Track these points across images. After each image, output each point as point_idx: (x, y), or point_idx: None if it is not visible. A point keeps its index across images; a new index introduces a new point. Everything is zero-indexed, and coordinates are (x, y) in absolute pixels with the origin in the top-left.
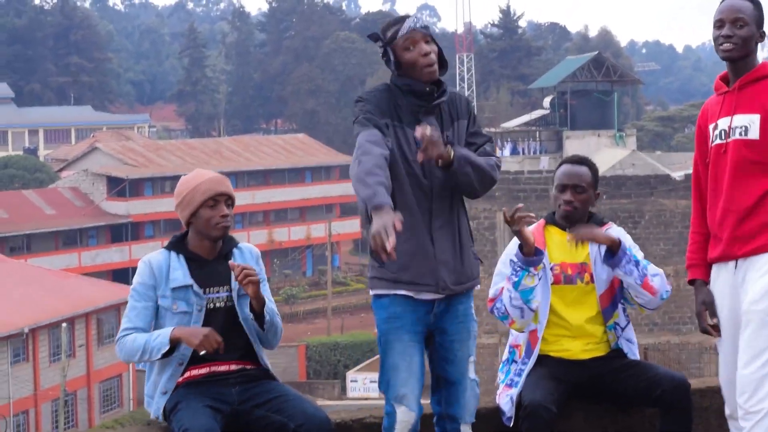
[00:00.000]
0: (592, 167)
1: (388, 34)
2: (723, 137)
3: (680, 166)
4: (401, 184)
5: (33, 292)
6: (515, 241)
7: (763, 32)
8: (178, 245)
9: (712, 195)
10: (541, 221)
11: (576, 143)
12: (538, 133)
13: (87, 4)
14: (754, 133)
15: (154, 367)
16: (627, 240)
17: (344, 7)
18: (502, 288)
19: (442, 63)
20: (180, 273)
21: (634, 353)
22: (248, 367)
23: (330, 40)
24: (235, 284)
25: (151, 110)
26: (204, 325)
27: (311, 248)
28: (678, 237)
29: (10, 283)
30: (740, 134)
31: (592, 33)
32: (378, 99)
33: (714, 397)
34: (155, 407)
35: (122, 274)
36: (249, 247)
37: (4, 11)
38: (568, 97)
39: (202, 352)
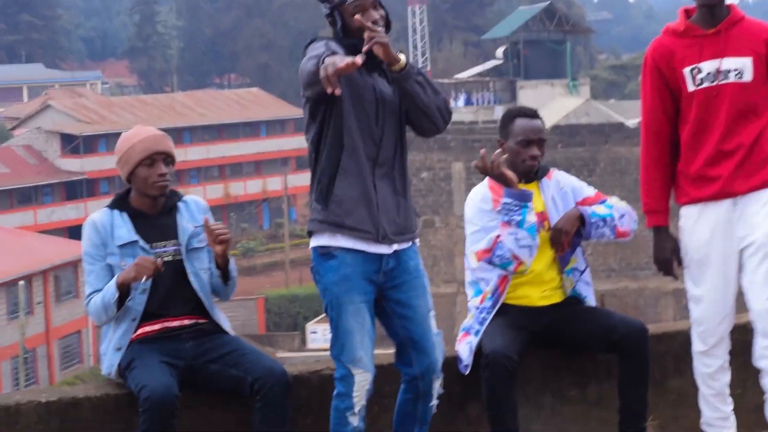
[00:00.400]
0: (542, 119)
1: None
2: (711, 80)
3: (634, 114)
4: (350, 128)
5: None
6: (479, 191)
7: None
8: (120, 203)
9: (694, 137)
10: None
11: (530, 93)
12: (491, 83)
13: None
14: (749, 76)
15: (111, 325)
16: (572, 182)
17: None
18: (497, 236)
19: (388, 25)
20: (125, 230)
21: (591, 296)
22: (201, 321)
23: None
24: (183, 238)
25: (103, 67)
26: (155, 280)
27: (267, 201)
28: (633, 184)
29: None
30: (736, 77)
31: None
32: (330, 42)
33: (671, 341)
34: (108, 363)
35: (78, 231)
36: (195, 200)
37: None
38: (521, 47)
39: (144, 279)
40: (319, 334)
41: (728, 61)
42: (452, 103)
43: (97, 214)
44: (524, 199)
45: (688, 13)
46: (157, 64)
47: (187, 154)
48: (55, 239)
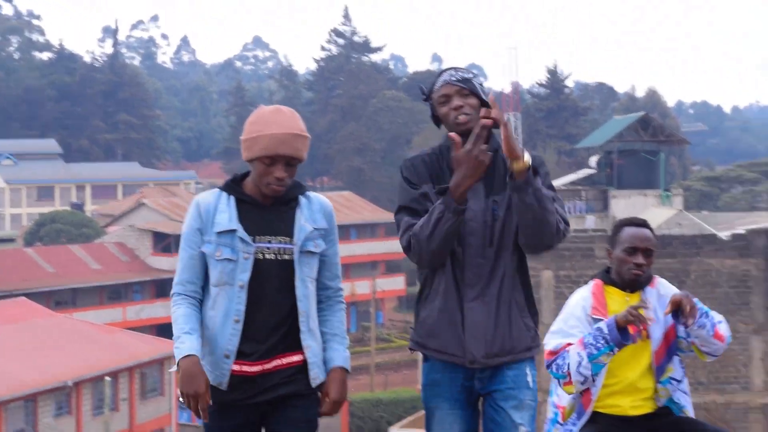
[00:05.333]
0: (653, 230)
1: (429, 88)
2: None
3: (727, 226)
4: None
5: (77, 346)
6: (582, 294)
7: None
8: (232, 186)
9: None
10: (598, 281)
11: (622, 203)
12: (584, 192)
13: (136, 62)
14: None
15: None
16: (673, 291)
17: (392, 66)
18: (567, 344)
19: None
20: (226, 216)
21: (689, 406)
22: (289, 363)
23: (377, 99)
24: (299, 237)
25: (197, 167)
26: (253, 278)
27: (355, 305)
28: (724, 297)
29: (56, 336)
30: None
31: (639, 93)
32: (417, 167)
33: None
34: (217, 372)
35: (166, 329)
36: (319, 199)
37: (55, 68)
38: (614, 157)
39: (180, 400)
40: None
41: None
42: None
43: (205, 194)
44: (615, 341)
45: None
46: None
47: None
48: (142, 336)
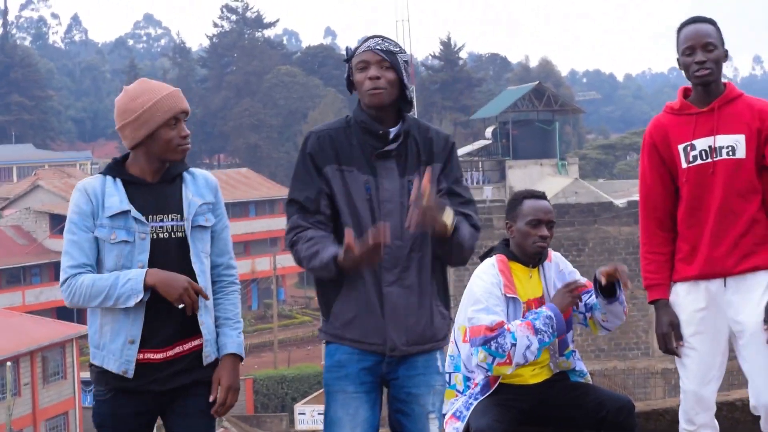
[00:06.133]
0: (549, 201)
1: (352, 51)
2: (705, 157)
3: (623, 194)
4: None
5: None
6: (490, 272)
7: (726, 50)
8: (115, 168)
9: (689, 214)
10: (502, 257)
11: (519, 172)
12: (480, 163)
13: (27, 43)
14: (741, 152)
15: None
16: (569, 266)
17: (285, 42)
18: (501, 323)
19: (408, 97)
20: (116, 199)
21: (585, 369)
22: (190, 348)
23: (271, 75)
24: (189, 212)
25: (93, 147)
26: (152, 257)
27: (256, 282)
28: (622, 263)
29: None
30: (728, 154)
31: (533, 63)
32: (323, 144)
33: (659, 419)
34: (120, 360)
35: (67, 312)
36: (203, 174)
37: None
38: (510, 127)
39: (181, 306)
40: (307, 415)
41: (721, 138)
42: None
43: (88, 179)
44: (561, 331)
45: (686, 92)
46: None
47: None
48: (43, 320)
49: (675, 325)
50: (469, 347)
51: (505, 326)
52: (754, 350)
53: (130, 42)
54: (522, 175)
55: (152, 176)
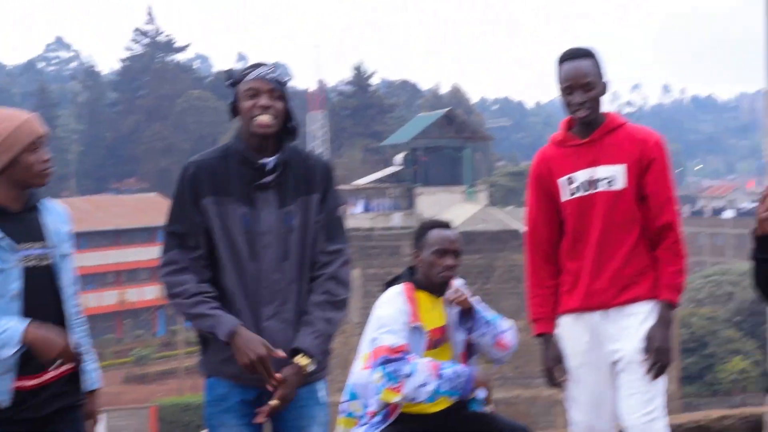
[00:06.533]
0: (456, 231)
1: (239, 76)
2: (585, 189)
3: None
4: (224, 268)
5: None
6: (398, 300)
7: (605, 81)
8: None
9: (571, 247)
10: (410, 285)
11: (428, 199)
12: (390, 190)
13: None
14: (620, 183)
15: None
16: (468, 293)
17: (197, 66)
18: (403, 347)
19: (291, 128)
20: None
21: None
22: (62, 372)
23: (182, 99)
24: (56, 240)
25: None
26: (26, 287)
27: (163, 308)
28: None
29: None
30: (608, 185)
31: (444, 90)
32: (201, 176)
33: None
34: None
35: None
36: (55, 204)
37: None
38: (420, 154)
39: (54, 365)
40: None
41: (601, 170)
42: (350, 210)
43: None
44: (462, 393)
45: (570, 122)
46: (55, 167)
47: (83, 260)
48: None
49: (559, 359)
50: (369, 373)
51: (409, 354)
52: (630, 377)
53: (41, 64)
54: (431, 202)
55: (15, 204)
